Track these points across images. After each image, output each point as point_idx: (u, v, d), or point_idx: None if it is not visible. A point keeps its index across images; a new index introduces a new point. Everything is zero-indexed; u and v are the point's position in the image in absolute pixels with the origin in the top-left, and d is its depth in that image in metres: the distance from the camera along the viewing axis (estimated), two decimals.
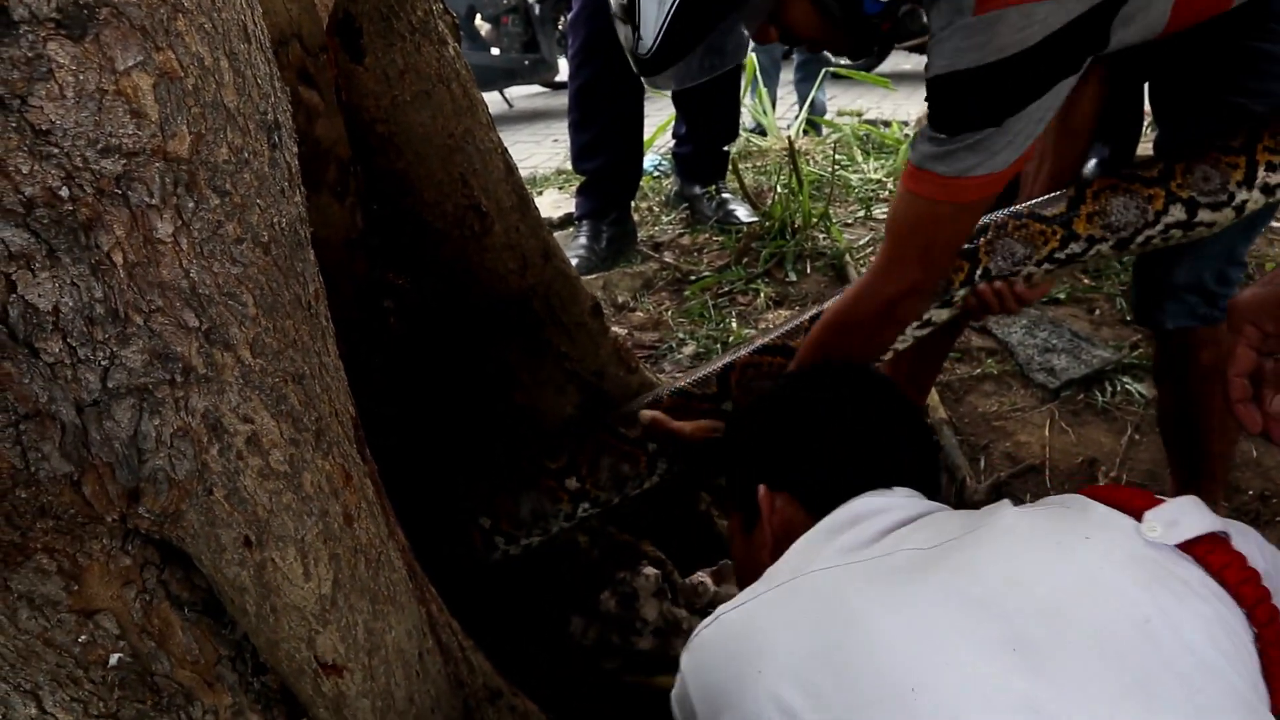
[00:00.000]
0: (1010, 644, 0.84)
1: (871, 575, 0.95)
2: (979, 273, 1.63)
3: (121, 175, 0.63)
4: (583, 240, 3.45)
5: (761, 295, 3.04)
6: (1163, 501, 0.97)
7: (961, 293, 1.64)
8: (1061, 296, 2.90)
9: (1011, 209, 1.66)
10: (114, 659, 0.85)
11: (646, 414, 1.59)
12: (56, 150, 0.60)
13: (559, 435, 1.69)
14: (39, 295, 0.63)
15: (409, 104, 1.37)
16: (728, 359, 1.68)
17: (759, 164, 4.29)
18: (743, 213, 3.59)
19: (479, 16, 7.64)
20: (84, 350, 0.66)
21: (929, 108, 1.33)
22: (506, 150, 1.56)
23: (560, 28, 7.46)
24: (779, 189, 3.61)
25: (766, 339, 1.68)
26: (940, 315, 1.67)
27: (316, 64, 1.21)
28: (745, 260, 3.27)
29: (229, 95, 0.70)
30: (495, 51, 7.68)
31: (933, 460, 1.28)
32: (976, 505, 1.98)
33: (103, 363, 0.67)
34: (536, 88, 8.76)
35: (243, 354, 0.76)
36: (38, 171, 0.59)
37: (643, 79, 1.61)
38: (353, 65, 1.32)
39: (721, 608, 0.99)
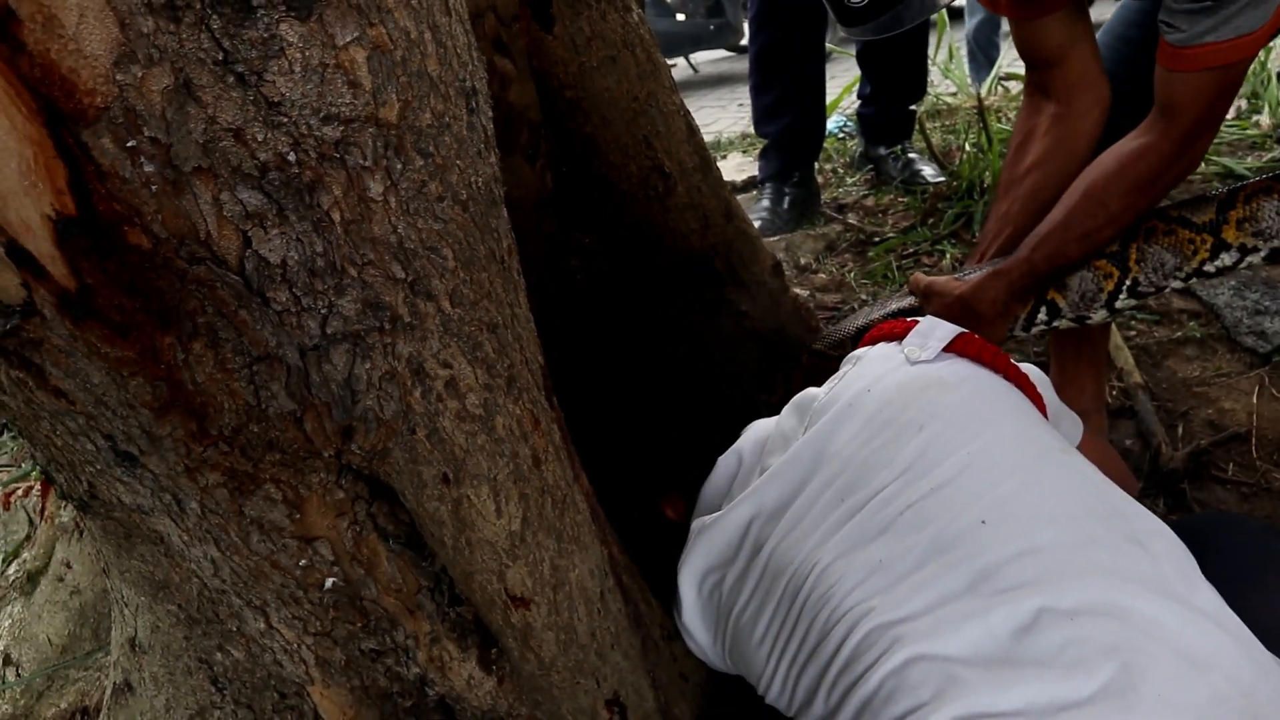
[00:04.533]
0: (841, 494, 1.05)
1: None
2: (1128, 283, 1.57)
3: (340, 140, 0.70)
4: (765, 203, 3.44)
5: (948, 256, 2.97)
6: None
7: (1119, 300, 1.59)
8: None
9: (1158, 210, 1.58)
10: (329, 582, 0.94)
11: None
12: (286, 119, 0.67)
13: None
14: (270, 250, 0.70)
15: (595, 70, 1.42)
16: (862, 319, 1.68)
17: (947, 122, 4.17)
18: (929, 172, 3.49)
19: None
20: (307, 299, 0.73)
21: None
22: (688, 112, 1.58)
23: None
24: (967, 147, 3.51)
25: (903, 302, 1.67)
26: (1099, 316, 1.62)
27: (510, 33, 1.28)
28: (931, 221, 3.19)
29: (432, 65, 0.76)
30: (680, 17, 7.68)
31: None
32: (1172, 474, 1.90)
33: (322, 311, 0.74)
34: (721, 52, 8.73)
35: (443, 304, 0.82)
36: (270, 139, 0.67)
37: (844, 29, 1.61)
38: (543, 34, 1.37)
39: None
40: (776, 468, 1.12)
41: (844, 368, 1.22)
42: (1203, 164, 2.89)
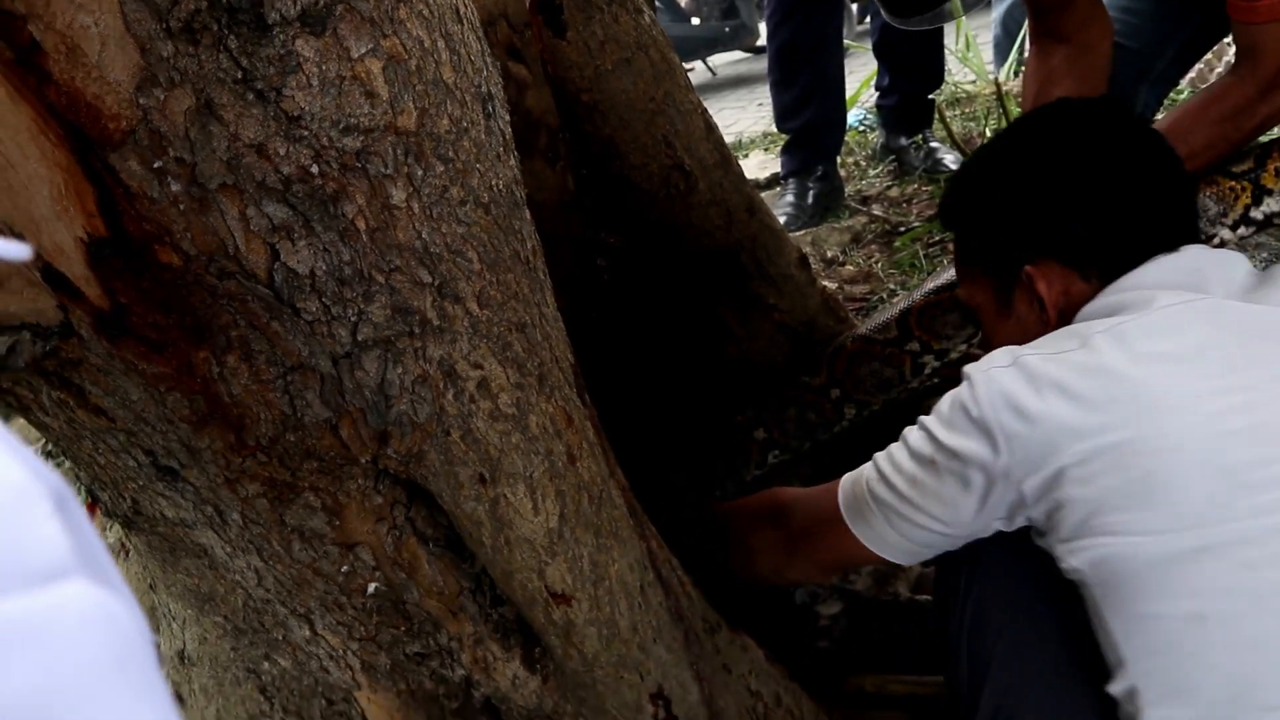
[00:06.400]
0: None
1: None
2: None
3: (360, 150, 0.71)
4: (789, 198, 3.44)
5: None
6: None
7: None
8: None
9: None
10: (371, 587, 0.95)
11: None
12: (306, 133, 0.68)
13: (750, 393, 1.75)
14: (298, 261, 0.72)
15: (610, 73, 1.43)
16: (904, 302, 1.68)
17: (967, 110, 4.15)
18: (950, 160, 3.48)
19: None
20: (336, 308, 0.75)
21: None
22: (705, 110, 1.59)
23: None
24: (988, 133, 3.49)
25: (939, 280, 1.67)
26: None
27: (523, 40, 1.29)
28: None
29: (446, 72, 0.77)
30: (695, 21, 7.69)
31: (1195, 212, 1.17)
32: None
33: (352, 318, 0.76)
34: (738, 54, 8.72)
35: (471, 306, 0.83)
36: (292, 152, 0.68)
37: (895, 20, 1.62)
38: (556, 40, 1.39)
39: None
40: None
41: None
42: None
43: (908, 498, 1.07)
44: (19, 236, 0.64)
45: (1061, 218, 1.11)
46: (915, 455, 1.06)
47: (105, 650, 0.25)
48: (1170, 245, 1.07)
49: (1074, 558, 0.97)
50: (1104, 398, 0.95)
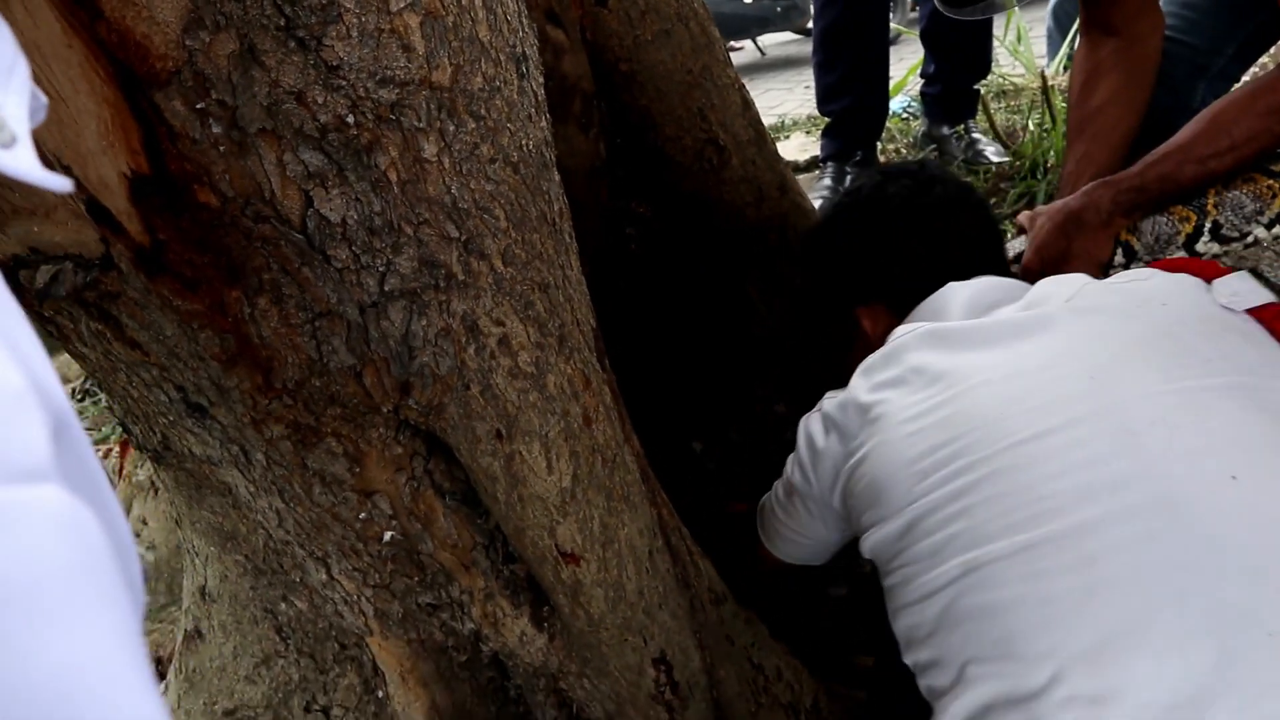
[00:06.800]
0: (1089, 373, 0.98)
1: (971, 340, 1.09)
2: (1208, 225, 1.55)
3: (395, 103, 0.73)
4: (827, 182, 3.43)
5: (1009, 235, 2.94)
6: (1225, 271, 1.11)
7: (1200, 243, 1.58)
8: None
9: None
10: (387, 536, 0.97)
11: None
12: (344, 83, 0.70)
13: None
14: (331, 209, 0.74)
15: (650, 43, 1.44)
16: None
17: (1012, 103, 4.11)
18: (992, 152, 3.46)
19: None
20: (365, 257, 0.77)
21: None
22: (743, 86, 1.60)
23: None
24: (1031, 126, 3.46)
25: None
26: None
27: (562, 5, 1.30)
28: (993, 200, 3.16)
29: (482, 30, 0.78)
30: (747, 0, 7.66)
31: (1000, 247, 1.39)
32: None
33: (380, 268, 0.78)
34: (788, 35, 8.68)
35: (495, 263, 0.85)
36: (330, 101, 0.70)
37: (948, 9, 1.62)
38: (597, 7, 1.39)
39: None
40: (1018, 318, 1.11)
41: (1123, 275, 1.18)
42: None
43: (783, 521, 1.29)
44: (67, 169, 0.67)
45: (876, 271, 1.33)
46: (783, 483, 1.28)
47: (69, 555, 0.25)
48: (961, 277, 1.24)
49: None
50: (857, 426, 1.11)
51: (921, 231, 1.31)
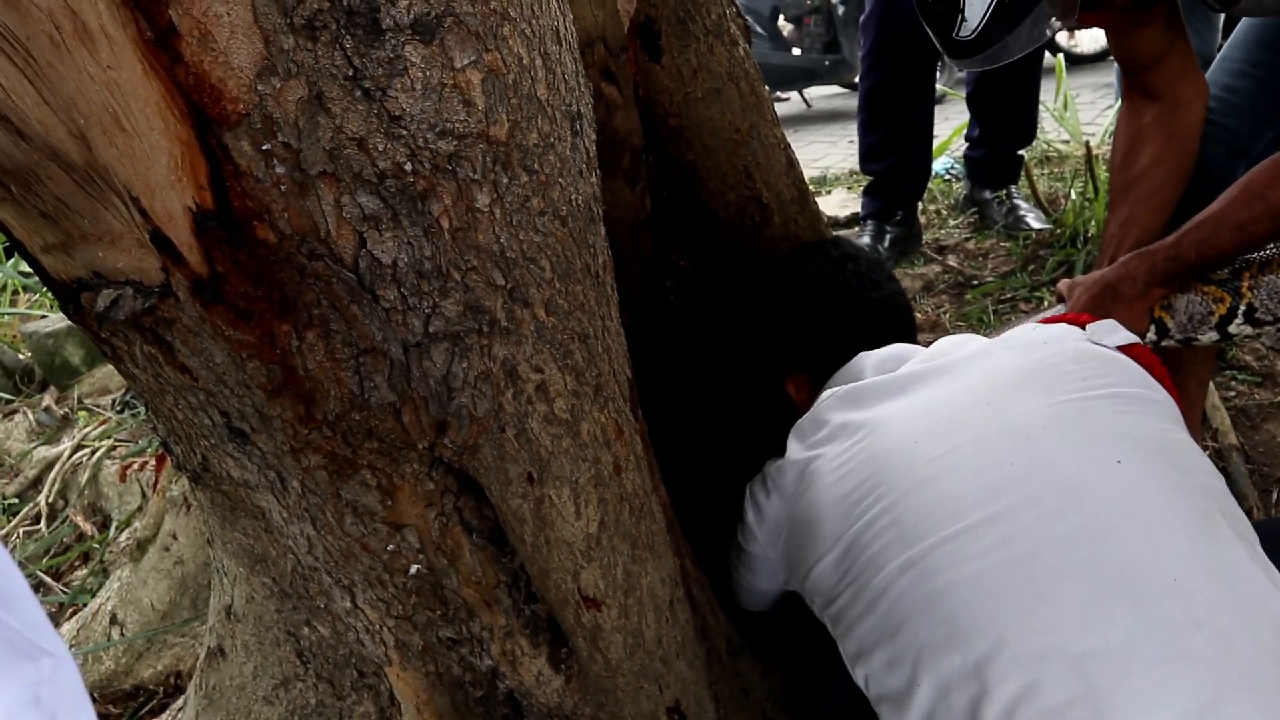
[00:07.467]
0: (986, 400, 1.11)
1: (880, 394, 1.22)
2: (1243, 308, 1.55)
3: (452, 154, 0.75)
4: (866, 240, 3.45)
5: (1045, 303, 2.94)
6: (1095, 319, 1.24)
7: (1233, 325, 1.57)
8: None
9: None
10: (414, 569, 0.99)
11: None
12: (405, 132, 0.73)
13: None
14: (383, 251, 0.76)
15: (700, 100, 1.47)
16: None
17: (1056, 170, 4.12)
18: (1033, 219, 3.46)
19: (782, 17, 7.71)
20: (413, 299, 0.79)
21: None
22: (789, 146, 1.62)
23: None
24: (1073, 195, 3.47)
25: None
26: (1207, 338, 1.61)
27: (618, 63, 1.33)
28: (1031, 268, 3.16)
29: (541, 89, 0.81)
30: (796, 52, 7.72)
31: (910, 316, 1.52)
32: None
33: (426, 310, 0.80)
34: (835, 88, 8.73)
35: (538, 312, 0.87)
36: (390, 149, 0.72)
37: (951, 61, 1.64)
38: (650, 64, 1.43)
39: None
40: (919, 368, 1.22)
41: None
42: None
43: (738, 582, 1.39)
44: (135, 200, 0.70)
45: (795, 344, 1.48)
46: (734, 547, 1.37)
47: None
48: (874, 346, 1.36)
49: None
50: (794, 483, 1.22)
51: (834, 308, 1.46)
